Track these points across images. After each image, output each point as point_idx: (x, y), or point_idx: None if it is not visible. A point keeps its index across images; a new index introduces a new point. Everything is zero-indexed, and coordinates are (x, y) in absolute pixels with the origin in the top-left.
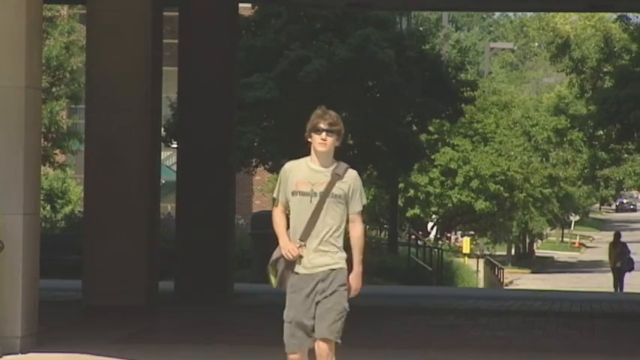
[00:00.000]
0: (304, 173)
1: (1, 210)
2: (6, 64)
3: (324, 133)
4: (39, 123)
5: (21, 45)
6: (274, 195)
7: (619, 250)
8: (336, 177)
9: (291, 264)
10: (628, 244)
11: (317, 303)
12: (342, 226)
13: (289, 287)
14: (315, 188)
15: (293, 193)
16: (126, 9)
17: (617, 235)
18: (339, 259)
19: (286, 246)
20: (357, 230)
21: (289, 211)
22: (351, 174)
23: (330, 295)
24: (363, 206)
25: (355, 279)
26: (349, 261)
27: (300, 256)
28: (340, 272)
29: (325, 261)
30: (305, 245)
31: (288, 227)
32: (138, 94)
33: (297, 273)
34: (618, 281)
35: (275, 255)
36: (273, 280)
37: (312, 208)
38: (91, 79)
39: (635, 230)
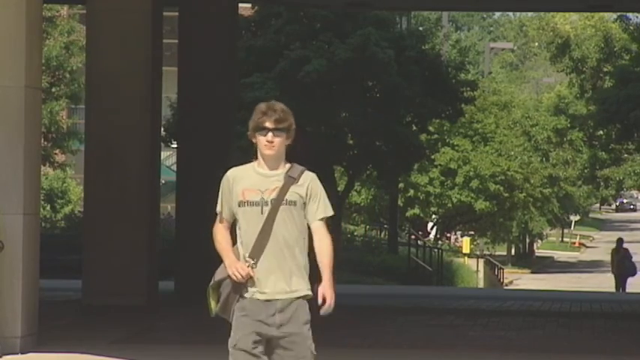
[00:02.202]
0: (251, 180)
1: (1, 210)
2: (6, 64)
3: (269, 134)
4: (39, 123)
5: (21, 45)
6: (218, 208)
7: (621, 255)
8: (290, 180)
9: (238, 287)
10: (629, 245)
11: (274, 348)
12: (303, 239)
13: (239, 310)
14: (265, 196)
15: (240, 204)
16: (126, 9)
17: (620, 242)
18: (300, 283)
19: (233, 265)
20: (323, 242)
21: (239, 226)
22: (308, 176)
23: (293, 343)
24: (331, 217)
25: (328, 290)
26: (314, 276)
27: (250, 277)
28: (303, 304)
29: (284, 286)
30: (256, 264)
31: (233, 244)
32: (138, 94)
33: (248, 298)
34: (620, 286)
35: (218, 275)
36: (213, 305)
37: (264, 219)
38: (91, 79)
39: (635, 230)
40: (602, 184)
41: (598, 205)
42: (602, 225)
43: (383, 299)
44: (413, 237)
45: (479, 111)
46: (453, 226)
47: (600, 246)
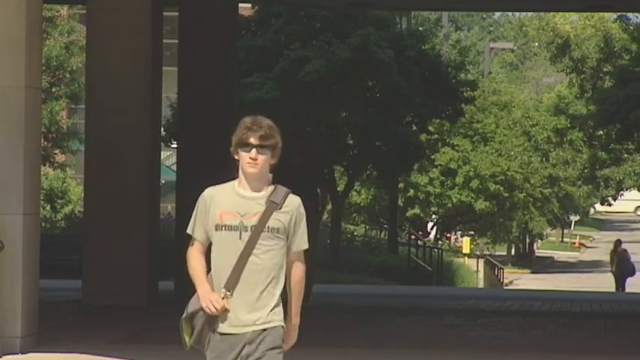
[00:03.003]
0: (231, 201)
1: (1, 210)
2: (6, 64)
3: (253, 151)
4: (39, 123)
5: (21, 45)
6: (189, 230)
7: (620, 256)
8: (273, 205)
9: (212, 320)
10: (629, 245)
11: None
12: (282, 269)
13: (210, 352)
14: (245, 220)
15: (217, 228)
16: (126, 9)
17: (618, 243)
18: (274, 315)
19: (207, 296)
20: (297, 273)
21: (214, 253)
22: (293, 201)
23: None
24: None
25: (291, 333)
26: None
27: (226, 310)
28: (273, 332)
29: (256, 317)
30: (231, 295)
31: (208, 271)
32: (138, 94)
33: (220, 333)
34: (620, 286)
35: (192, 307)
36: (187, 339)
37: (242, 246)
38: (91, 79)
39: (635, 230)
40: (602, 184)
41: (598, 205)
42: (602, 225)
43: (383, 299)
44: (413, 237)
45: (479, 111)
46: (453, 226)
47: (600, 246)
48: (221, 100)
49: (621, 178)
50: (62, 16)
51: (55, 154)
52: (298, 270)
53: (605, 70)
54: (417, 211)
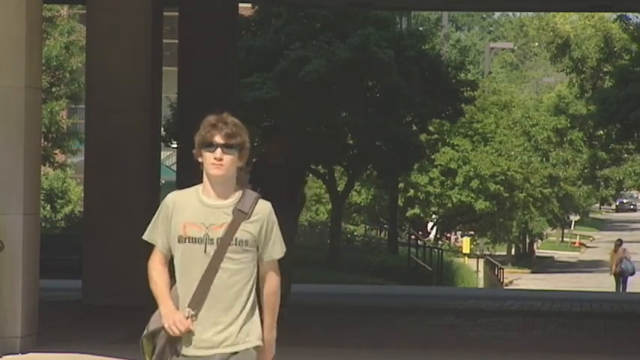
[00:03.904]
0: (194, 211)
1: (1, 210)
2: (6, 64)
3: (218, 150)
4: (39, 123)
5: (21, 45)
6: (146, 236)
7: (620, 256)
8: (241, 215)
9: (175, 341)
10: (630, 245)
11: None
12: (252, 285)
13: None
14: (210, 232)
15: (180, 240)
16: (126, 9)
17: (619, 242)
18: (246, 335)
19: (170, 315)
20: (271, 284)
21: (177, 267)
22: (263, 208)
23: None
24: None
25: (267, 350)
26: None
27: (190, 331)
28: (245, 355)
29: (224, 338)
30: (196, 315)
31: (172, 283)
32: (138, 94)
33: (183, 355)
34: (620, 286)
35: (153, 324)
36: (147, 358)
37: (208, 260)
38: (91, 79)
39: (635, 230)
40: (602, 184)
41: (598, 205)
42: (602, 225)
43: (383, 299)
44: (413, 237)
45: (479, 111)
46: (453, 226)
47: (600, 246)
48: (221, 100)
49: (621, 178)
50: (62, 16)
51: (55, 154)
52: (272, 281)
53: (605, 70)
54: (417, 211)
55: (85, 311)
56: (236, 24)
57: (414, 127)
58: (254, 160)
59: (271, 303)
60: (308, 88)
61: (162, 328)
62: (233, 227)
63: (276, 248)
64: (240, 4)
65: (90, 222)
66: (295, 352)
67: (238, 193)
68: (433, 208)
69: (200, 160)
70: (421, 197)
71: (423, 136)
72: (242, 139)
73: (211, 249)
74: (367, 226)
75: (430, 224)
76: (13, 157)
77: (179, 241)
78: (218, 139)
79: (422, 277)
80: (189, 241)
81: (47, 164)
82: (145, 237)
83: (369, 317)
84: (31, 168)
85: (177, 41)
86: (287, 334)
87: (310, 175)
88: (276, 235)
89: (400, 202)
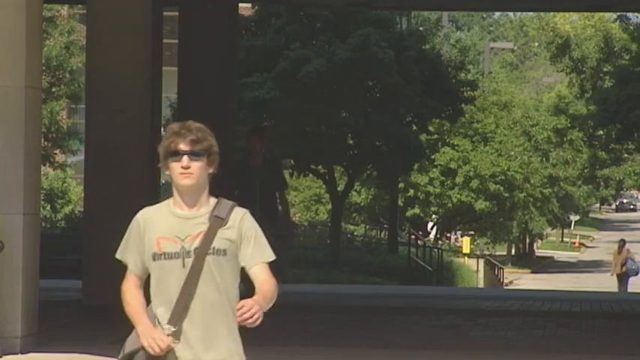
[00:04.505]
0: (168, 224)
1: (1, 210)
2: (6, 64)
3: (184, 158)
4: (39, 123)
5: (21, 45)
6: (119, 255)
7: (623, 257)
8: (217, 222)
9: None
10: (629, 245)
11: None
12: (235, 297)
13: None
14: (186, 244)
15: (154, 257)
16: (126, 9)
17: (622, 243)
18: (230, 350)
19: (149, 334)
20: (267, 285)
21: (154, 285)
22: (239, 213)
23: None
24: (272, 261)
25: (257, 301)
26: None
27: (171, 349)
28: None
29: (209, 358)
30: (177, 333)
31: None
32: (138, 94)
33: None
34: (623, 286)
35: (130, 346)
36: None
37: (186, 274)
38: (91, 79)
39: (635, 230)
40: (602, 184)
41: (598, 205)
42: (602, 225)
43: (383, 299)
44: (413, 237)
45: (479, 111)
46: (453, 226)
47: (600, 246)
48: (221, 100)
49: (621, 178)
50: (62, 16)
51: (55, 154)
52: (266, 279)
53: (605, 70)
54: (417, 211)
55: (85, 311)
56: (236, 24)
57: (414, 127)
58: (237, 160)
59: (267, 295)
60: (308, 88)
61: (141, 348)
62: (210, 235)
63: (257, 252)
64: (240, 4)
65: (90, 222)
66: (295, 352)
67: (212, 201)
68: (433, 208)
69: (167, 172)
70: (421, 197)
71: (423, 136)
72: (209, 144)
73: (189, 262)
74: (367, 226)
75: (430, 224)
76: (13, 157)
77: (154, 259)
78: (183, 146)
79: (422, 277)
80: (165, 257)
81: (47, 164)
82: (117, 256)
83: (369, 317)
84: (31, 168)
85: (177, 41)
86: (287, 334)
87: (310, 175)
88: (257, 240)
89: (400, 202)
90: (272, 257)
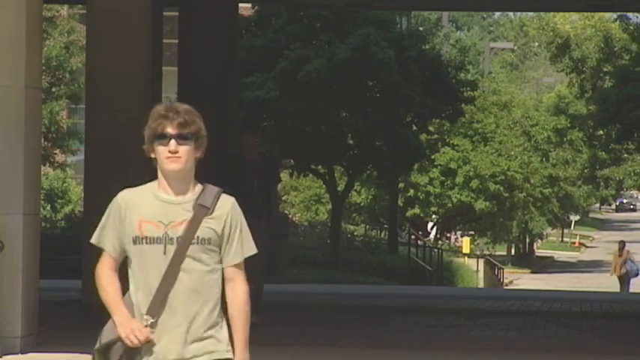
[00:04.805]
0: (151, 208)
1: (1, 210)
2: (6, 64)
3: (172, 142)
4: (39, 123)
5: (21, 45)
6: (94, 240)
7: (624, 258)
8: (202, 210)
9: (133, 352)
10: (629, 245)
11: None
12: (219, 290)
13: None
14: (170, 231)
15: (135, 241)
16: (126, 9)
17: (622, 244)
18: (215, 343)
19: (127, 324)
20: (239, 294)
21: (132, 270)
22: (226, 203)
23: None
24: (249, 257)
25: None
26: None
27: (150, 341)
28: None
29: (189, 350)
30: (156, 323)
31: (124, 292)
32: (138, 94)
33: None
34: (625, 287)
35: (106, 336)
36: None
37: (167, 262)
38: (91, 79)
39: (635, 230)
40: (602, 184)
41: (598, 205)
42: (602, 225)
43: (383, 299)
44: (413, 237)
45: (479, 111)
46: (453, 226)
47: (600, 246)
48: (221, 100)
49: (621, 178)
50: (62, 16)
51: (55, 154)
52: (240, 290)
53: (605, 70)
54: (417, 211)
55: (85, 311)
56: (236, 24)
57: (414, 127)
58: (230, 155)
59: (241, 318)
60: (308, 88)
61: (119, 339)
62: (194, 224)
63: (238, 250)
64: (240, 4)
65: (90, 222)
66: (295, 352)
67: (198, 188)
68: (433, 208)
69: (152, 155)
70: (421, 197)
71: (423, 136)
72: (197, 127)
73: (171, 249)
74: (367, 226)
75: (430, 224)
76: (13, 157)
77: (135, 243)
78: (170, 129)
79: (422, 277)
80: (146, 242)
81: (47, 164)
82: (92, 240)
83: (369, 317)
84: (31, 168)
85: (177, 41)
86: (287, 334)
87: (310, 175)
88: (244, 232)
89: (400, 202)
90: (253, 250)
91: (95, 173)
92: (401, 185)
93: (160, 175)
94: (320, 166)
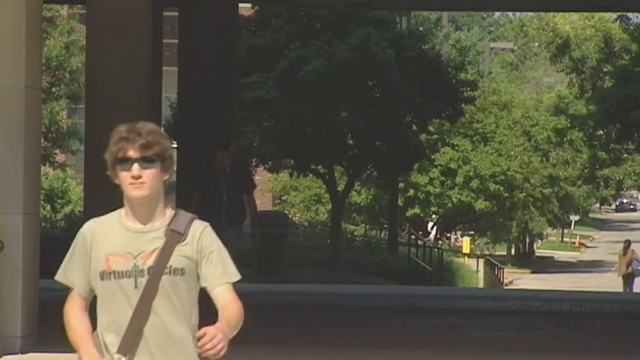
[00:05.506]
0: (118, 240)
1: (1, 210)
2: (6, 64)
3: (135, 166)
4: (39, 123)
5: (21, 45)
6: (58, 277)
7: (629, 257)
8: (175, 236)
9: None
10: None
11: None
12: (195, 319)
13: None
14: (139, 262)
15: (102, 276)
16: (126, 9)
17: (628, 244)
18: None
19: None
20: (230, 308)
21: (101, 307)
22: (198, 227)
23: None
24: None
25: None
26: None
27: None
28: None
29: None
30: None
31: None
32: (138, 94)
33: None
34: (628, 287)
35: None
36: None
37: (138, 295)
38: (90, 79)
39: (635, 230)
40: (602, 184)
41: (598, 205)
42: (602, 225)
43: (383, 299)
44: (413, 237)
45: (479, 111)
46: (453, 226)
47: (600, 246)
48: (221, 100)
49: (621, 178)
50: (62, 16)
51: (55, 154)
52: (230, 302)
53: (605, 70)
54: (417, 211)
55: None
56: (236, 24)
57: (414, 127)
58: (201, 162)
59: (232, 320)
60: (308, 88)
61: None
62: (166, 252)
63: (219, 271)
64: (240, 4)
65: None
66: (296, 352)
67: (169, 213)
68: (433, 208)
69: (117, 181)
70: (421, 197)
71: (423, 136)
72: (162, 148)
73: (142, 282)
74: (367, 226)
75: (430, 224)
76: (13, 157)
77: (102, 278)
78: (132, 152)
79: (422, 277)
80: (114, 277)
81: (47, 164)
82: (57, 278)
83: (369, 317)
84: (31, 168)
85: (177, 41)
86: (287, 334)
87: (310, 175)
88: (221, 256)
89: (400, 202)
90: (237, 277)
91: (95, 173)
92: (401, 185)
93: (125, 203)
94: (320, 166)
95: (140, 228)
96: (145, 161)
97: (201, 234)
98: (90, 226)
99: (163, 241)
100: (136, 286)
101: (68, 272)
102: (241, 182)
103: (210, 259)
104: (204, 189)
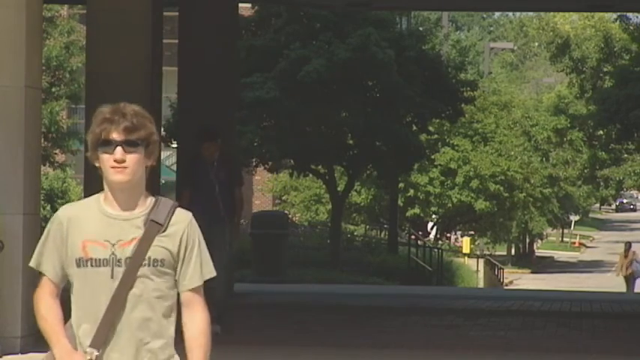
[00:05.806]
0: (96, 225)
1: (1, 210)
2: (6, 64)
3: (118, 150)
4: (39, 123)
5: (21, 45)
6: (32, 263)
7: (630, 258)
8: (154, 227)
9: None
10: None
11: None
12: (172, 313)
13: None
14: (117, 251)
15: (79, 263)
16: (126, 9)
17: (628, 246)
18: None
19: (66, 357)
20: (197, 322)
21: (75, 296)
22: (182, 218)
23: None
24: (208, 280)
25: None
26: None
27: None
28: None
29: None
30: (101, 357)
31: (66, 320)
32: (138, 94)
33: None
34: (630, 288)
35: None
36: None
37: (114, 286)
38: (91, 79)
39: (635, 230)
40: (602, 184)
41: (598, 205)
42: (602, 225)
43: (383, 299)
44: (413, 237)
45: (479, 111)
46: (453, 226)
47: (600, 246)
48: (221, 100)
49: (621, 178)
50: (62, 16)
51: (55, 154)
52: (199, 317)
53: (605, 70)
54: (417, 211)
55: None
56: (236, 24)
57: (414, 127)
58: (189, 156)
59: (200, 346)
60: (308, 88)
61: None
62: (145, 243)
63: (197, 273)
64: (240, 4)
65: None
66: (296, 352)
67: (150, 201)
68: (433, 208)
69: (97, 164)
70: (421, 197)
71: (423, 136)
72: (147, 132)
73: (119, 272)
74: (367, 226)
75: (430, 224)
76: (13, 157)
77: (78, 266)
78: (116, 135)
79: (422, 277)
80: (91, 264)
81: (47, 164)
82: (31, 264)
83: (369, 317)
84: (31, 168)
85: (177, 41)
86: (287, 334)
87: (310, 175)
88: (202, 252)
89: (400, 202)
90: (212, 274)
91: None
92: (401, 185)
93: (105, 187)
94: (320, 166)
95: (119, 214)
96: (129, 145)
97: (183, 224)
98: (66, 211)
99: (142, 230)
100: (112, 277)
101: (41, 259)
102: (229, 175)
103: (189, 258)
104: (193, 184)
